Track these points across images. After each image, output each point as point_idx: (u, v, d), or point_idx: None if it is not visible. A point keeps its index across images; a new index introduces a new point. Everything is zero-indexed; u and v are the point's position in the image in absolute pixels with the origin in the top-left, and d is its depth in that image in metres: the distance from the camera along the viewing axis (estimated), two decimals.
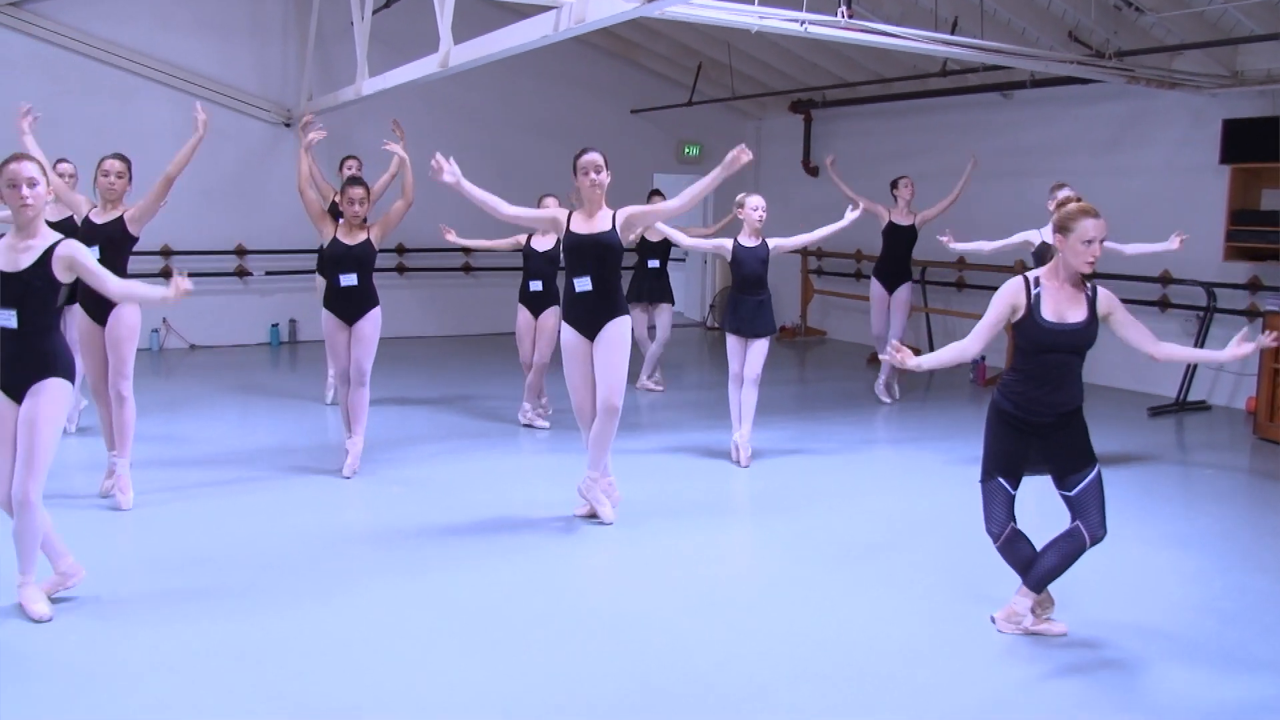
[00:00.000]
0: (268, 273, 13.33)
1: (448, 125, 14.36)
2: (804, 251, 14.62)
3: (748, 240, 7.92)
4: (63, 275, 4.75)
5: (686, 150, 16.19)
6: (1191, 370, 10.33)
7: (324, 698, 4.18)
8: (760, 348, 7.88)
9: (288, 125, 13.43)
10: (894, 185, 10.39)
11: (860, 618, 5.07)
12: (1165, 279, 10.78)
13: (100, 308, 6.47)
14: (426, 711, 4.11)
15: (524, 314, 9.02)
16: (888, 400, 10.43)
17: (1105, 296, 4.64)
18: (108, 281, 4.89)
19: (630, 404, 9.50)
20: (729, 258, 7.99)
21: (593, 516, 6.45)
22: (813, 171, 15.38)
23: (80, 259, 4.80)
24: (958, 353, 4.74)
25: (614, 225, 6.23)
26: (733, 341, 7.99)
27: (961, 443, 8.63)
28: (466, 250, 14.38)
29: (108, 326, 6.48)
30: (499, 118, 14.73)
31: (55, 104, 12.18)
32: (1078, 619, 4.94)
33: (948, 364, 4.76)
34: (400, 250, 14.25)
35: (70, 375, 4.85)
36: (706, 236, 9.35)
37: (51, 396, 4.74)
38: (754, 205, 7.85)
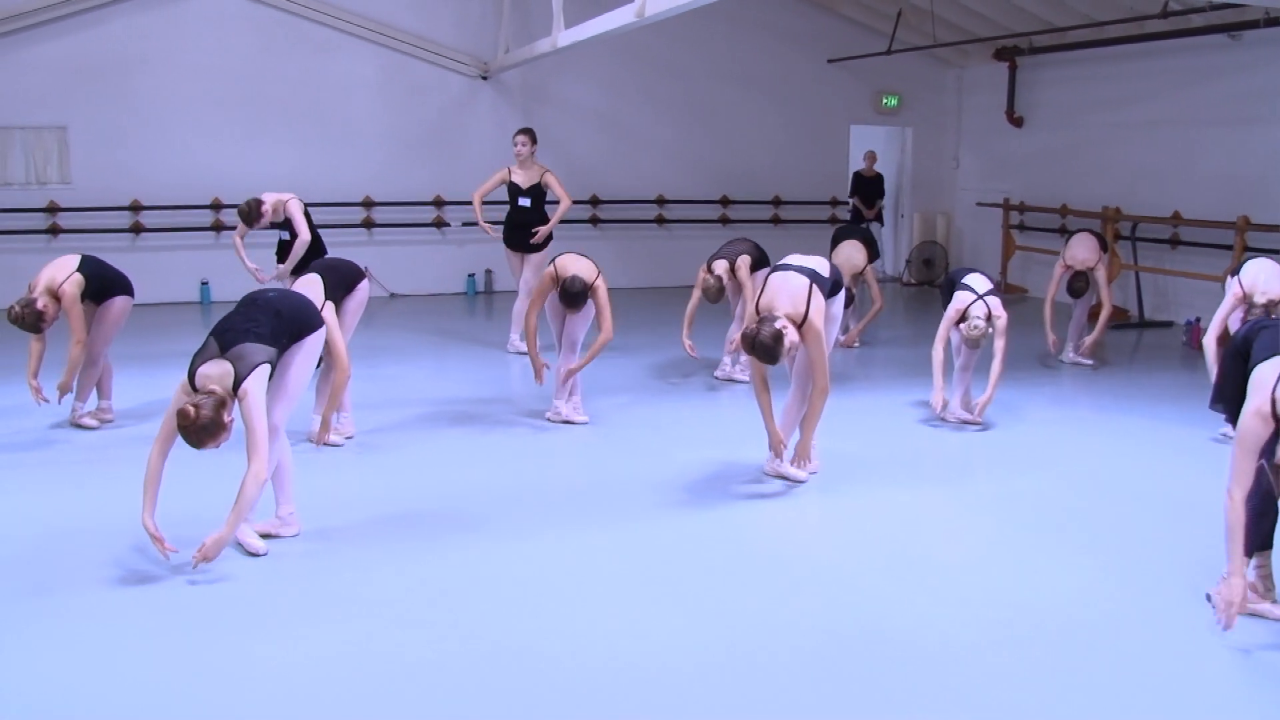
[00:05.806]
0: (465, 224, 13.60)
1: (643, 77, 14.35)
2: (1006, 205, 14.07)
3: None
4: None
5: (885, 101, 15.73)
6: None
7: (519, 637, 4.27)
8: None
9: (484, 78, 13.64)
10: None
11: (1063, 585, 4.86)
12: None
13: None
14: (615, 654, 4.16)
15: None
16: (1089, 362, 9.92)
17: None
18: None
19: None
20: None
21: (783, 477, 6.35)
22: (1016, 122, 14.74)
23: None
24: None
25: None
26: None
27: (1172, 407, 8.16)
28: (660, 201, 14.43)
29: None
30: (694, 68, 14.61)
31: (260, 59, 12.69)
32: None
33: None
34: (594, 201, 14.34)
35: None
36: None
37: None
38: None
